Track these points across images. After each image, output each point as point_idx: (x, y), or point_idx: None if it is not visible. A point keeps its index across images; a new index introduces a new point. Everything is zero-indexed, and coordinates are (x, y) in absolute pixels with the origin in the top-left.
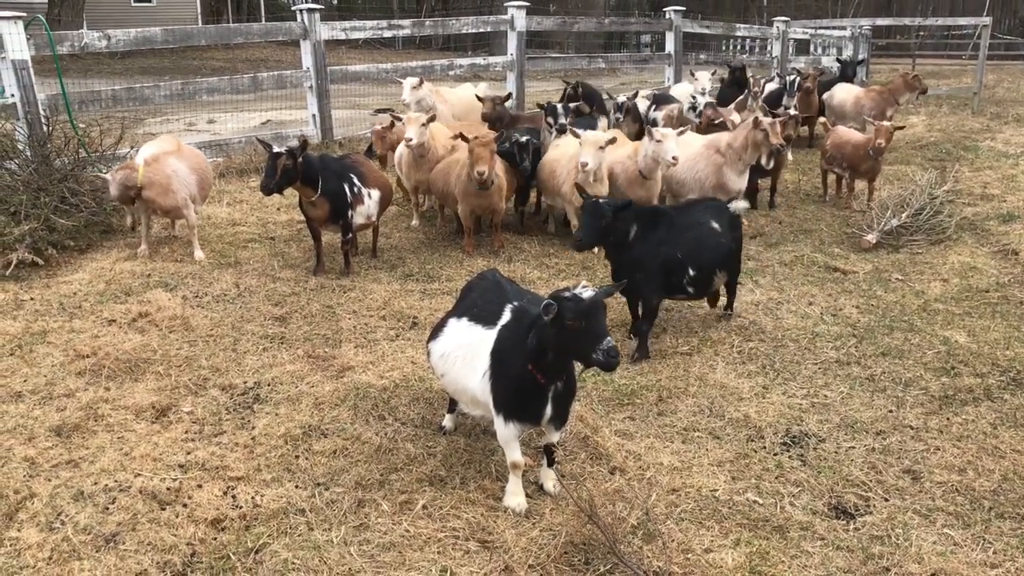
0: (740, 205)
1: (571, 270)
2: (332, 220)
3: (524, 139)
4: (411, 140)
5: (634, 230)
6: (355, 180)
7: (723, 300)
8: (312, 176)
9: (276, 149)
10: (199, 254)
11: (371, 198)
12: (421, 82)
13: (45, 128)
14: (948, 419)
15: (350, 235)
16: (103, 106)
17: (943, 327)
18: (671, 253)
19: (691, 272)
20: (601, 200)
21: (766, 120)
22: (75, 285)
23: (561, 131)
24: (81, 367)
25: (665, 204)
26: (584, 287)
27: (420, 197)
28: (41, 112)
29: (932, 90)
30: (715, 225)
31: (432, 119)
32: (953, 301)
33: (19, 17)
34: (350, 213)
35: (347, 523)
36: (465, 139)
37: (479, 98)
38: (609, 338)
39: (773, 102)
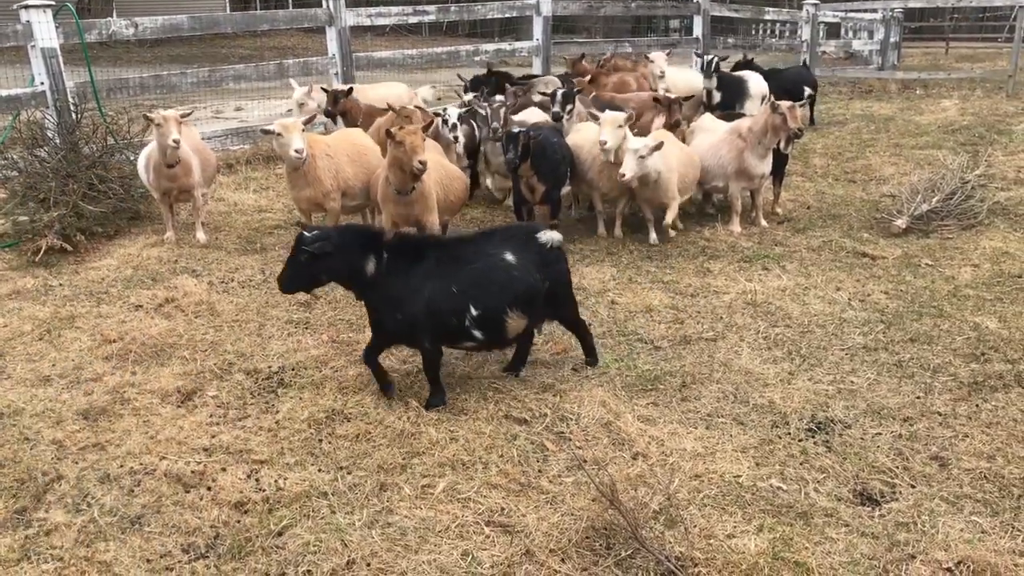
0: (553, 236)
1: (596, 256)
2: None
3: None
4: (300, 152)
5: (372, 263)
6: None
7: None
8: None
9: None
10: (202, 236)
11: None
12: (311, 90)
13: (74, 116)
14: (977, 405)
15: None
16: (131, 93)
17: (973, 313)
18: (442, 287)
19: (473, 312)
20: (307, 232)
21: (784, 104)
22: (103, 271)
23: (556, 119)
24: (108, 352)
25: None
26: None
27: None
28: (70, 100)
29: (966, 73)
30: (509, 257)
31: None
32: (984, 286)
33: (48, 6)
34: None
35: (369, 506)
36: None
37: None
38: None
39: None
